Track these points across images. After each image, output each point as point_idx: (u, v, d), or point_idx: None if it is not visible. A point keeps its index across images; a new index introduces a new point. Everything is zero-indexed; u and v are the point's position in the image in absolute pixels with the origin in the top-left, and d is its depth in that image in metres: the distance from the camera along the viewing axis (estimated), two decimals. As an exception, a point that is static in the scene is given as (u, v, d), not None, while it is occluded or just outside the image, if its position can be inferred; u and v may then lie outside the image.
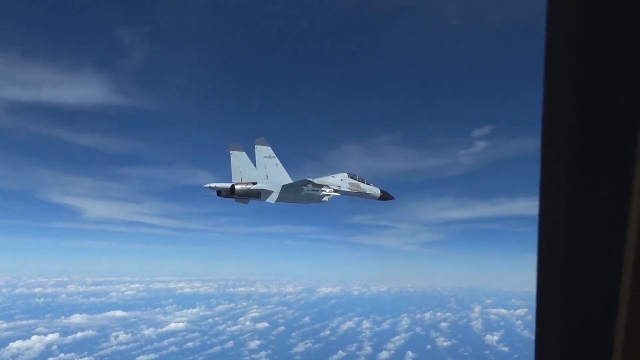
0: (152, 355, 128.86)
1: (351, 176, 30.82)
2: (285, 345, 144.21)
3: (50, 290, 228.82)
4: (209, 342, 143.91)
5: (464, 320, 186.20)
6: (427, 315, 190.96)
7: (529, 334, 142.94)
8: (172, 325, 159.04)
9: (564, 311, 1.76)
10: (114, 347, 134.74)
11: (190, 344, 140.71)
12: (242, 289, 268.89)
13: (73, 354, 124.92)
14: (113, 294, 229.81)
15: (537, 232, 1.82)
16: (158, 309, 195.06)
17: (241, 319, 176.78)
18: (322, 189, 28.03)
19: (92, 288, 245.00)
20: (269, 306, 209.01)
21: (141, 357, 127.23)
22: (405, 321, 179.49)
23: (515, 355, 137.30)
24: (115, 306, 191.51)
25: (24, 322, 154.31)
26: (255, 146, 27.56)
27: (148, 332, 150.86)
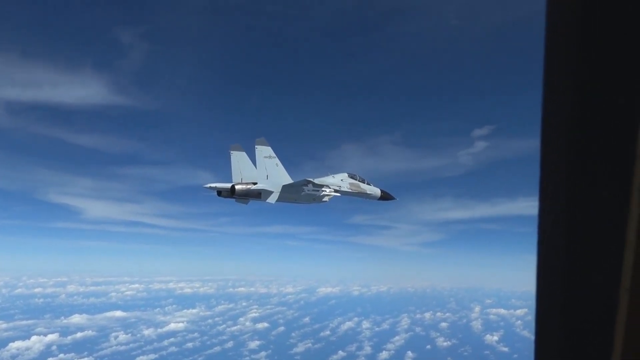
0: (152, 356, 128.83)
1: (351, 176, 30.79)
2: (285, 345, 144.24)
3: (50, 290, 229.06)
4: (208, 343, 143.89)
5: (464, 321, 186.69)
6: (427, 315, 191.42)
7: (529, 334, 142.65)
8: (172, 326, 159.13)
9: (564, 311, 1.76)
10: (114, 347, 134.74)
11: (190, 344, 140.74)
12: (242, 289, 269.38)
13: (73, 354, 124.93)
14: (113, 294, 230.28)
15: (537, 232, 1.82)
16: (158, 309, 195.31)
17: (241, 319, 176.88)
18: (323, 189, 28.00)
19: (92, 288, 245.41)
20: (268, 306, 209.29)
21: (141, 357, 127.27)
22: (405, 321, 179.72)
23: (515, 356, 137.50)
24: (115, 306, 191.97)
25: (24, 322, 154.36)
26: (256, 146, 27.57)
27: (148, 332, 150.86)
